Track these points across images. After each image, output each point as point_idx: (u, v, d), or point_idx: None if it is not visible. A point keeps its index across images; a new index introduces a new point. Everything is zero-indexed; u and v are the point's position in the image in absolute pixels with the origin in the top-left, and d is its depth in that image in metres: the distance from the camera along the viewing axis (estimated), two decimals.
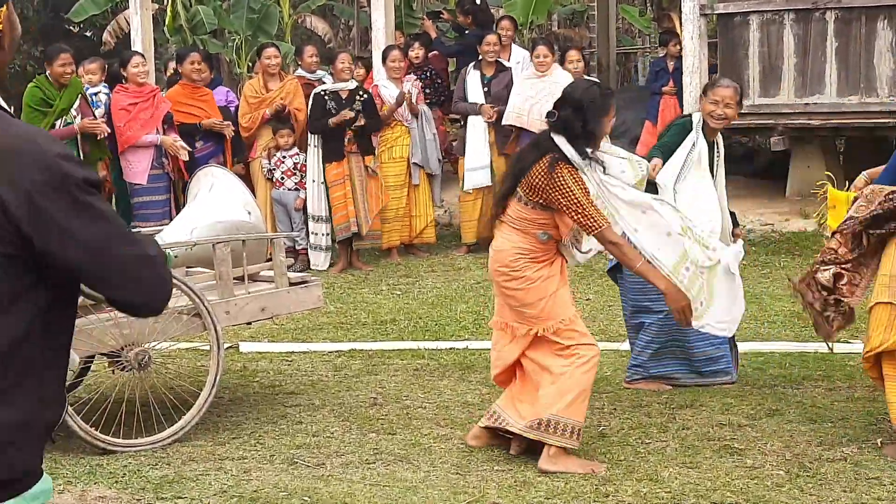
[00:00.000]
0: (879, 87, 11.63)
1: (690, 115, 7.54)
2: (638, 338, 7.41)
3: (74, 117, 10.64)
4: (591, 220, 5.74)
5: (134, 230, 4.36)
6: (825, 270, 6.15)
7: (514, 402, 6.06)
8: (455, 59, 13.34)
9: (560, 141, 5.80)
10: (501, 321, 6.13)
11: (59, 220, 2.58)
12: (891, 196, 5.94)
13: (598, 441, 6.35)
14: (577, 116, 5.81)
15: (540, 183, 5.75)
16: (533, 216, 5.88)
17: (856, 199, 6.22)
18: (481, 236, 11.92)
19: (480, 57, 12.08)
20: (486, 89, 11.88)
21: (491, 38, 12.23)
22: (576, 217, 5.79)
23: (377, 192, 11.54)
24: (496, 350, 6.29)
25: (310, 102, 11.47)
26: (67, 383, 3.85)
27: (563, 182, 5.70)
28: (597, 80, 6.50)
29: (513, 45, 12.74)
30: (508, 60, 12.25)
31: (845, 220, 6.12)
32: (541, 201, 5.84)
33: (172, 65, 14.86)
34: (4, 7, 2.75)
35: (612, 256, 6.80)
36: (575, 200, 5.72)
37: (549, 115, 5.94)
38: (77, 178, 2.60)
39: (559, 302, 5.97)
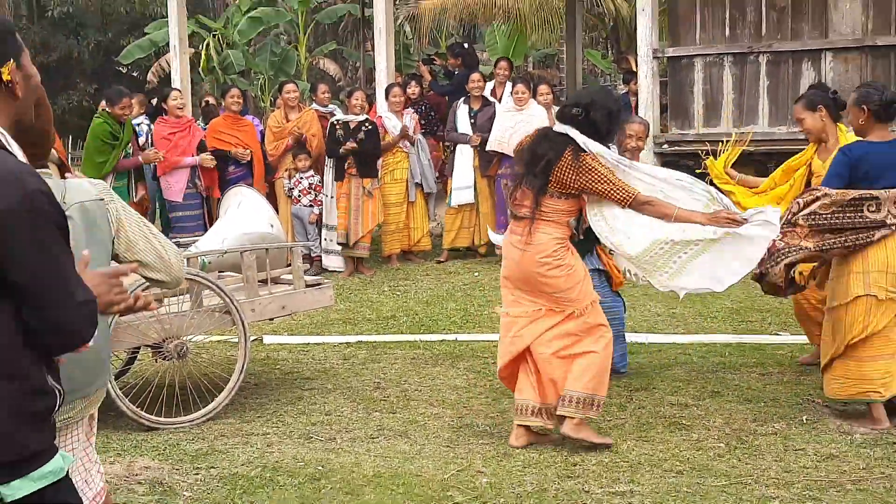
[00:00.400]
0: None
1: None
2: None
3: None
4: (625, 191, 5.64)
5: (174, 240, 4.38)
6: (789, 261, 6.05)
7: (543, 387, 5.80)
8: (447, 97, 13.32)
9: (574, 134, 5.68)
10: (530, 309, 5.81)
11: (18, 247, 2.55)
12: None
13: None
14: (605, 118, 5.72)
15: (570, 176, 5.62)
16: (565, 206, 5.74)
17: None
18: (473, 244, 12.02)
19: (471, 93, 12.09)
20: (472, 121, 11.89)
21: (475, 76, 12.23)
22: (612, 194, 5.65)
23: (373, 210, 11.53)
24: (510, 336, 5.88)
25: (327, 130, 11.52)
26: (117, 371, 3.88)
27: (591, 168, 5.60)
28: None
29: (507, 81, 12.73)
30: (502, 95, 12.22)
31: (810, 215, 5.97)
32: (572, 191, 5.71)
33: (209, 98, 14.92)
34: (10, 61, 2.71)
35: None
36: (607, 180, 5.62)
37: (574, 110, 5.76)
38: (42, 214, 2.58)
39: (588, 284, 5.87)
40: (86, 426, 3.94)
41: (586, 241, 6.43)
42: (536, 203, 5.69)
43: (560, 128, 5.82)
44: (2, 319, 2.62)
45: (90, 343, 2.67)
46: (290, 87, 12.35)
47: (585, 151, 5.67)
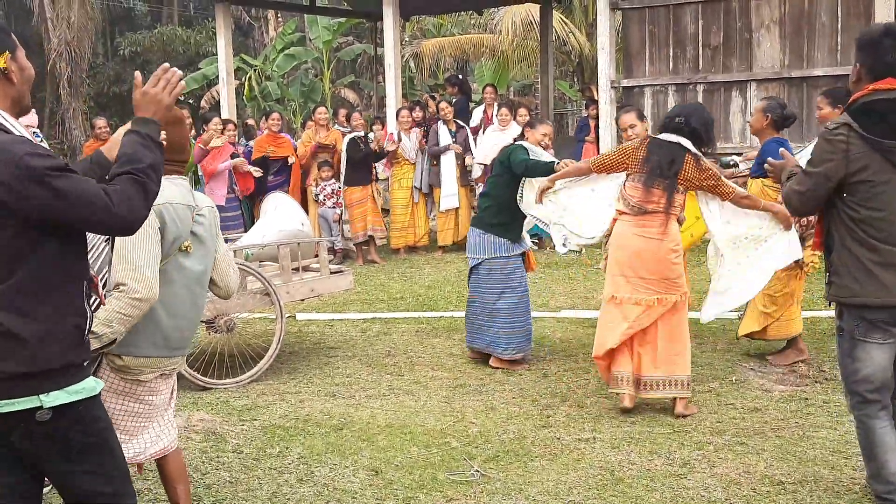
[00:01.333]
0: (733, 137, 11.68)
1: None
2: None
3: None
4: (729, 187, 5.57)
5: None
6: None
7: (654, 365, 5.52)
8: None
9: (685, 142, 5.48)
10: (647, 297, 5.47)
11: (36, 197, 2.55)
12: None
13: (543, 380, 6.36)
14: (704, 128, 5.54)
15: (694, 175, 5.44)
16: (681, 201, 5.62)
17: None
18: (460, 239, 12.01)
19: (442, 119, 12.15)
20: (453, 139, 11.90)
21: (488, 89, 13.34)
22: (723, 190, 5.52)
23: (371, 207, 11.74)
24: (625, 322, 5.49)
25: (346, 144, 11.53)
26: None
27: (708, 168, 5.49)
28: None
29: (495, 104, 12.72)
30: (492, 115, 12.21)
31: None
32: (692, 188, 5.62)
33: (249, 121, 14.90)
34: (6, 53, 2.71)
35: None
36: (718, 177, 5.52)
37: (678, 120, 5.55)
38: (42, 168, 2.56)
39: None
40: (173, 386, 3.99)
41: (517, 226, 6.69)
42: (670, 200, 5.46)
43: (667, 136, 5.59)
44: (47, 254, 2.63)
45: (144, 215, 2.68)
46: (321, 109, 12.39)
47: (699, 155, 5.54)
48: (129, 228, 2.69)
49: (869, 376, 3.88)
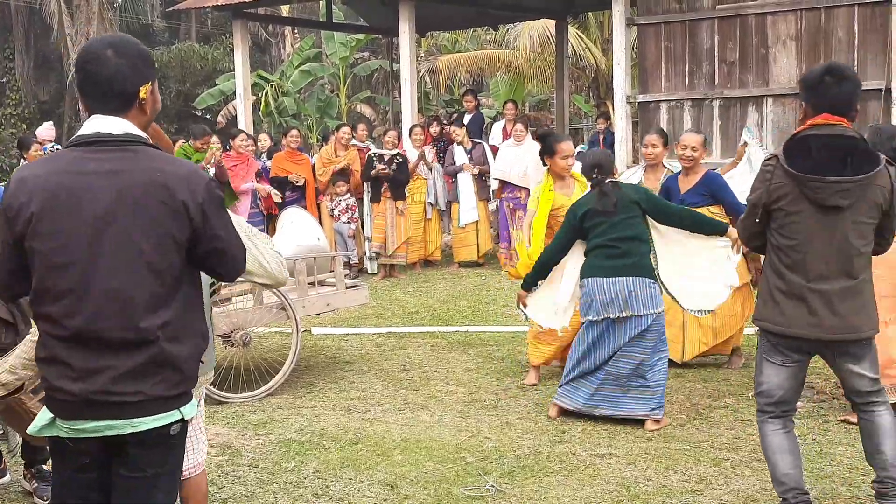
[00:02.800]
0: None
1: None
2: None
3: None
4: None
5: None
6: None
7: None
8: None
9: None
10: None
11: (215, 221, 2.75)
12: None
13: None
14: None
15: None
16: None
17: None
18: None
19: (458, 141, 12.19)
20: (469, 156, 11.93)
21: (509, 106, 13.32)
22: None
23: (404, 226, 11.60)
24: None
25: (365, 162, 11.59)
26: None
27: None
28: None
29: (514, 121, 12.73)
30: (512, 131, 12.19)
31: None
32: None
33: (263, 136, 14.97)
34: (150, 83, 2.80)
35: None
36: None
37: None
38: (220, 198, 2.78)
39: None
40: (202, 398, 3.96)
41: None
42: None
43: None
44: (191, 280, 2.80)
45: None
46: (345, 129, 12.36)
47: None
48: (237, 275, 2.95)
49: (767, 391, 4.11)
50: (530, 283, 6.00)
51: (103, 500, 2.83)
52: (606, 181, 5.69)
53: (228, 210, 2.95)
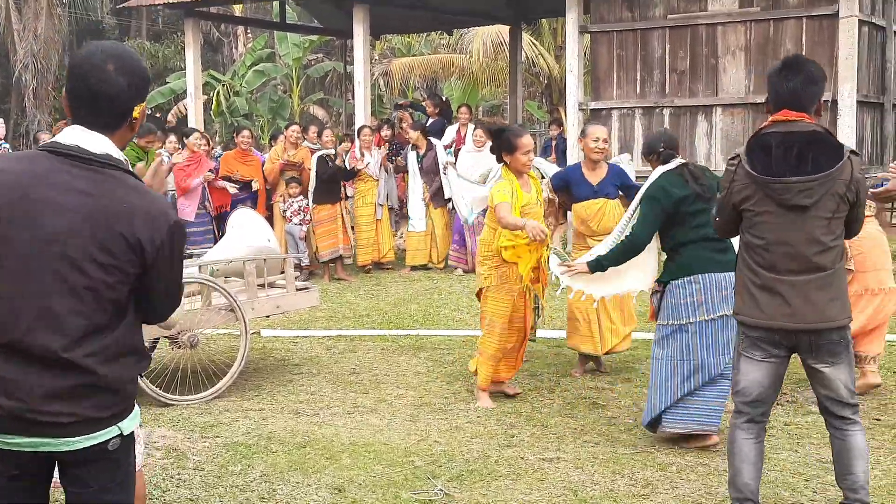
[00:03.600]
0: (698, 159, 11.80)
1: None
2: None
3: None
4: None
5: (188, 251, 4.39)
6: None
7: None
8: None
9: None
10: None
11: (166, 264, 2.72)
12: None
13: (507, 399, 6.36)
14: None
15: None
16: None
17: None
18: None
19: (413, 145, 12.17)
20: (419, 164, 11.91)
21: (463, 109, 13.09)
22: None
23: (345, 226, 11.77)
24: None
25: (314, 161, 11.52)
26: None
27: None
28: None
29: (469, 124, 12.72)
30: (466, 134, 12.16)
31: None
32: None
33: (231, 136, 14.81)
34: (143, 104, 2.79)
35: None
36: None
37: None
38: (182, 245, 2.78)
39: None
40: None
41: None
42: None
43: None
44: (134, 311, 2.76)
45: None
46: (294, 127, 12.26)
47: None
48: (157, 322, 2.98)
49: (744, 389, 4.06)
50: (605, 266, 5.47)
51: None
52: (688, 162, 5.36)
53: None
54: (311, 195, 11.54)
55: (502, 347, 6.18)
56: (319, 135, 12.25)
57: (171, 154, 10.97)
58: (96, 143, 2.65)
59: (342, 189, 11.79)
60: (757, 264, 3.94)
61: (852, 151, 3.86)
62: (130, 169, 2.74)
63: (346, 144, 12.01)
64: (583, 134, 6.87)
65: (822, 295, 3.86)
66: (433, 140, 12.15)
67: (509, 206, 5.88)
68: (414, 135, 12.05)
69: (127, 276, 2.64)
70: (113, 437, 2.71)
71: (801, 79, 3.87)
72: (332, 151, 11.61)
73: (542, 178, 6.92)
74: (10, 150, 3.79)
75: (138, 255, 2.62)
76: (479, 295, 6.34)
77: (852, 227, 3.99)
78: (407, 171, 12.16)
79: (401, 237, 12.97)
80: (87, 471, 2.72)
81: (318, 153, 11.55)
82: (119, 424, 2.72)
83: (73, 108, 2.70)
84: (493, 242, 6.09)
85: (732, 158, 3.98)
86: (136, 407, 2.85)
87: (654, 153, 5.47)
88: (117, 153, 2.70)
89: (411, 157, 11.98)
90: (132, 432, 2.80)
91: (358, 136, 12.13)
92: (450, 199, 11.88)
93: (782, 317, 3.88)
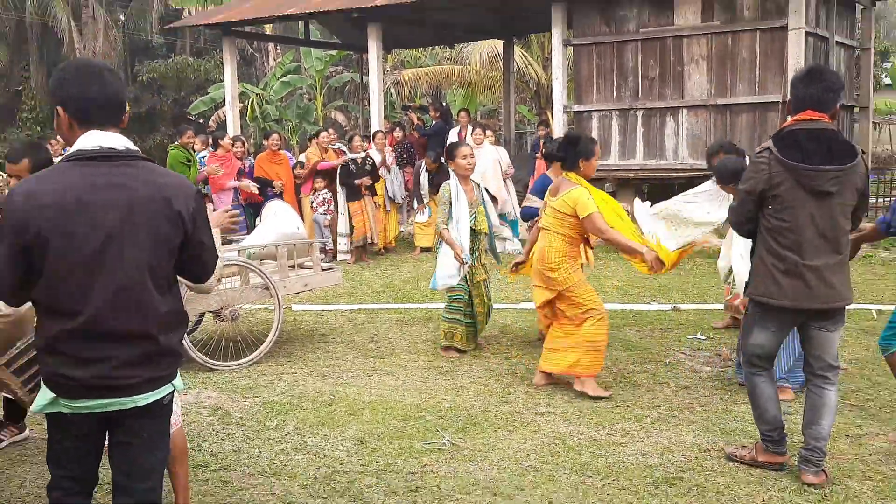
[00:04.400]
0: (667, 153, 11.75)
1: None
2: None
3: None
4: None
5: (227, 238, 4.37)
6: None
7: None
8: (427, 139, 13.35)
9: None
10: None
11: (201, 233, 2.77)
12: None
13: (504, 361, 6.36)
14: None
15: None
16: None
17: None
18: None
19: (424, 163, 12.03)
20: (430, 179, 11.61)
21: (462, 114, 12.25)
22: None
23: (380, 216, 11.70)
24: None
25: (339, 170, 11.49)
26: (189, 329, 3.88)
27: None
28: None
29: (468, 126, 12.65)
30: (466, 135, 12.09)
31: None
32: None
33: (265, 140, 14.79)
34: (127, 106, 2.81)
35: None
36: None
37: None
38: (203, 207, 2.79)
39: None
40: None
41: None
42: None
43: None
44: (176, 286, 2.82)
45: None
46: (324, 133, 12.21)
47: None
48: (205, 280, 2.94)
49: (757, 349, 4.13)
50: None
51: (96, 463, 2.82)
52: None
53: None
54: (341, 196, 11.53)
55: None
56: (350, 140, 12.12)
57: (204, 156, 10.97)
58: (115, 140, 2.66)
59: (368, 187, 11.69)
60: (783, 247, 3.90)
61: (862, 151, 3.91)
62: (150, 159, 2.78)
63: (364, 145, 11.95)
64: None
65: (837, 278, 3.91)
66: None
67: (601, 216, 5.35)
68: (428, 162, 11.96)
69: (174, 249, 2.69)
70: (168, 393, 2.77)
71: (823, 86, 3.87)
72: (362, 155, 11.50)
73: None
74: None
75: (181, 227, 2.67)
76: (548, 303, 5.64)
77: (859, 215, 4.02)
78: (419, 183, 12.11)
79: (410, 224, 12.96)
80: (143, 422, 2.75)
81: (343, 159, 11.48)
82: (173, 382, 2.78)
83: (81, 115, 2.65)
84: (565, 249, 5.47)
85: (761, 151, 3.93)
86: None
87: (735, 179, 4.86)
88: (132, 145, 2.72)
89: (424, 177, 11.85)
90: (177, 389, 2.86)
91: (373, 139, 12.10)
92: None
93: (805, 298, 3.90)
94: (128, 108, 2.77)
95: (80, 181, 2.57)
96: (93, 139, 2.63)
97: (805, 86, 3.89)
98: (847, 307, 4.03)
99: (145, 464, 2.80)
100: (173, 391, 2.80)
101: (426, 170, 11.78)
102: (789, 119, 3.96)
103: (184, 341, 2.95)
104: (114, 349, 2.62)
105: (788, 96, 4.05)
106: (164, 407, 2.79)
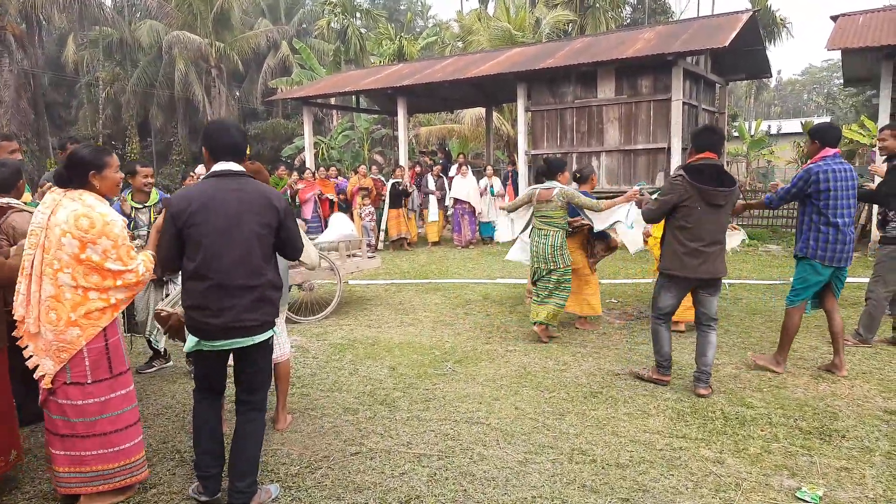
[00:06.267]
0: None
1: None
2: None
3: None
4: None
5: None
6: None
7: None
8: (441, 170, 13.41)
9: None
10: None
11: (289, 221, 2.72)
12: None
13: (486, 318, 6.31)
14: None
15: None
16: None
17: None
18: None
19: (432, 174, 12.01)
20: (436, 184, 11.77)
21: (460, 158, 12.73)
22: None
23: (407, 221, 11.64)
24: None
25: (389, 186, 11.47)
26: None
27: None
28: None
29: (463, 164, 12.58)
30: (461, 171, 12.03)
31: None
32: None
33: (378, 157, 14.74)
34: (248, 147, 2.81)
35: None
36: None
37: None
38: (291, 208, 2.76)
39: None
40: (282, 319, 3.78)
41: None
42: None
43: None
44: (276, 262, 2.75)
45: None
46: (362, 168, 12.14)
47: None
48: (295, 258, 2.86)
49: (663, 307, 4.10)
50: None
51: (223, 377, 2.82)
52: None
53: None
54: (386, 203, 11.49)
55: None
56: (393, 171, 12.13)
57: (297, 182, 10.95)
58: (234, 166, 2.71)
59: (405, 201, 11.73)
60: (687, 238, 3.90)
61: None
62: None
63: (400, 171, 11.98)
64: (584, 179, 5.59)
65: (719, 259, 3.93)
66: (444, 176, 12.18)
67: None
68: (436, 170, 11.98)
69: (271, 229, 2.67)
70: (272, 335, 2.75)
71: (716, 137, 3.91)
72: (402, 180, 11.59)
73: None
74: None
75: (276, 214, 2.66)
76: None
77: (730, 218, 4.11)
78: (427, 193, 12.06)
79: (422, 227, 12.94)
80: (258, 355, 2.75)
81: (392, 181, 11.54)
82: (273, 328, 2.76)
83: (215, 155, 2.72)
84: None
85: (676, 177, 3.91)
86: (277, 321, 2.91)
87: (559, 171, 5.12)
88: (243, 169, 2.74)
89: (430, 180, 11.84)
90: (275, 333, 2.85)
91: (406, 172, 12.16)
92: (446, 207, 11.92)
93: (700, 271, 3.89)
94: (248, 150, 2.78)
95: (212, 187, 2.64)
96: (221, 166, 2.71)
97: (706, 136, 3.92)
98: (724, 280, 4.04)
99: (255, 383, 2.80)
100: (273, 334, 2.78)
101: (431, 175, 11.87)
102: (694, 157, 3.94)
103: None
104: (235, 299, 2.60)
105: (674, 144, 4.06)
106: (269, 344, 2.77)
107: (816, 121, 31.50)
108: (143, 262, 2.77)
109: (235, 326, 2.62)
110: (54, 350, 2.69)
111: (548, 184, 5.22)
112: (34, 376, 2.73)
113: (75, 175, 2.76)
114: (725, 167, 4.13)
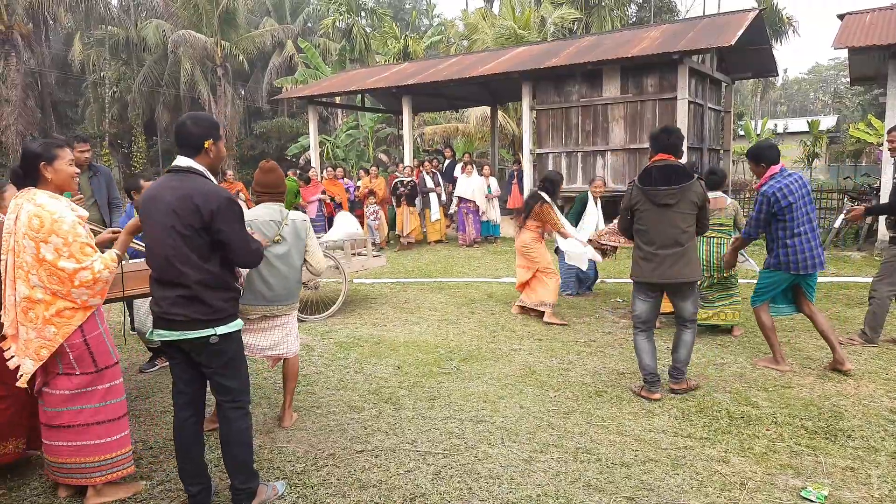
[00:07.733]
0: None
1: (586, 192, 6.68)
2: None
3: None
4: (555, 222, 5.73)
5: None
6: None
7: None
8: (444, 168, 13.37)
9: (542, 194, 5.81)
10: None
11: (223, 225, 2.57)
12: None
13: (491, 316, 6.32)
14: (551, 185, 5.85)
15: (539, 212, 5.74)
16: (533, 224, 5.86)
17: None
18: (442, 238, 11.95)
19: (427, 172, 12.07)
20: (434, 182, 11.72)
21: (465, 157, 12.59)
22: (551, 221, 5.80)
23: (414, 219, 11.62)
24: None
25: (391, 184, 11.50)
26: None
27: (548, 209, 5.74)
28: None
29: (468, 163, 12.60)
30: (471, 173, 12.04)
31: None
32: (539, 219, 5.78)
33: (382, 156, 14.78)
34: (211, 140, 2.66)
35: None
36: (550, 214, 5.69)
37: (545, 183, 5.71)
38: (235, 207, 2.59)
39: None
40: (293, 316, 3.71)
41: None
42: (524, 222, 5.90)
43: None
44: (217, 259, 2.62)
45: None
46: (373, 169, 12.22)
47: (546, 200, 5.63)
48: (246, 264, 2.69)
49: (638, 315, 4.04)
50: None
51: (191, 380, 2.73)
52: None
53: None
54: (394, 202, 11.53)
55: None
56: (397, 164, 12.21)
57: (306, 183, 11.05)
58: (182, 162, 2.65)
59: (411, 199, 11.71)
60: (643, 242, 3.89)
61: (699, 177, 3.89)
62: (209, 176, 2.68)
63: (408, 170, 12.02)
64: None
65: (680, 262, 3.84)
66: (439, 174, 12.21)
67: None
68: (434, 167, 11.99)
69: (196, 230, 2.54)
70: (213, 337, 2.60)
71: (672, 139, 3.88)
72: (407, 178, 11.63)
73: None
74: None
75: (199, 217, 2.53)
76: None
77: (703, 222, 3.94)
78: (428, 194, 12.08)
79: (424, 228, 12.96)
80: (204, 355, 2.64)
81: (396, 180, 11.55)
82: (215, 328, 2.60)
83: (178, 149, 2.69)
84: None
85: (630, 183, 3.96)
86: (237, 319, 2.67)
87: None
88: (197, 166, 2.64)
89: (428, 179, 11.81)
90: (230, 333, 2.64)
91: (412, 170, 12.16)
92: (447, 204, 11.94)
93: (657, 276, 3.86)
94: (206, 144, 2.63)
95: (159, 183, 2.65)
96: (176, 160, 2.69)
97: (661, 138, 3.89)
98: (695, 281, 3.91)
99: (216, 384, 2.71)
100: (217, 335, 2.59)
101: (427, 173, 11.90)
102: (651, 159, 3.92)
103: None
104: (166, 291, 2.58)
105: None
106: (211, 346, 2.60)
107: (823, 119, 31.30)
108: (100, 260, 2.70)
109: (165, 318, 2.61)
110: (35, 348, 2.70)
111: (717, 193, 5.20)
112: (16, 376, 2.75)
113: (28, 169, 2.73)
114: (721, 165, 4.11)
